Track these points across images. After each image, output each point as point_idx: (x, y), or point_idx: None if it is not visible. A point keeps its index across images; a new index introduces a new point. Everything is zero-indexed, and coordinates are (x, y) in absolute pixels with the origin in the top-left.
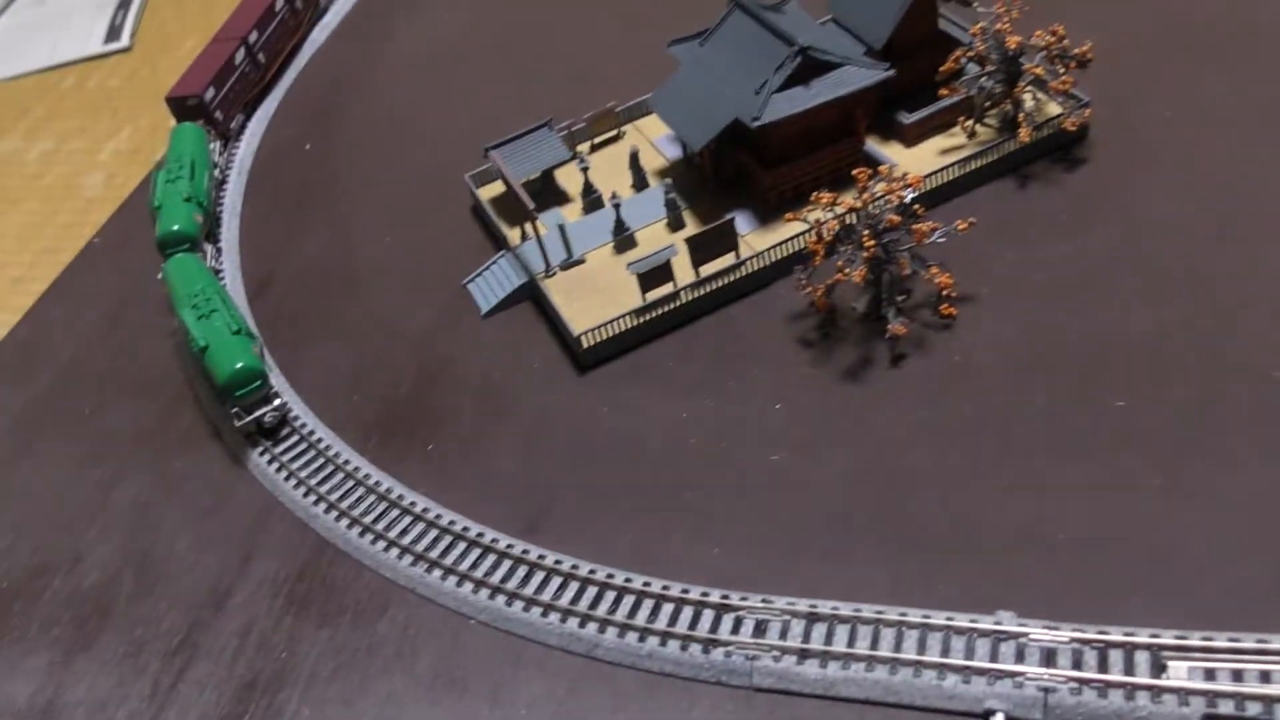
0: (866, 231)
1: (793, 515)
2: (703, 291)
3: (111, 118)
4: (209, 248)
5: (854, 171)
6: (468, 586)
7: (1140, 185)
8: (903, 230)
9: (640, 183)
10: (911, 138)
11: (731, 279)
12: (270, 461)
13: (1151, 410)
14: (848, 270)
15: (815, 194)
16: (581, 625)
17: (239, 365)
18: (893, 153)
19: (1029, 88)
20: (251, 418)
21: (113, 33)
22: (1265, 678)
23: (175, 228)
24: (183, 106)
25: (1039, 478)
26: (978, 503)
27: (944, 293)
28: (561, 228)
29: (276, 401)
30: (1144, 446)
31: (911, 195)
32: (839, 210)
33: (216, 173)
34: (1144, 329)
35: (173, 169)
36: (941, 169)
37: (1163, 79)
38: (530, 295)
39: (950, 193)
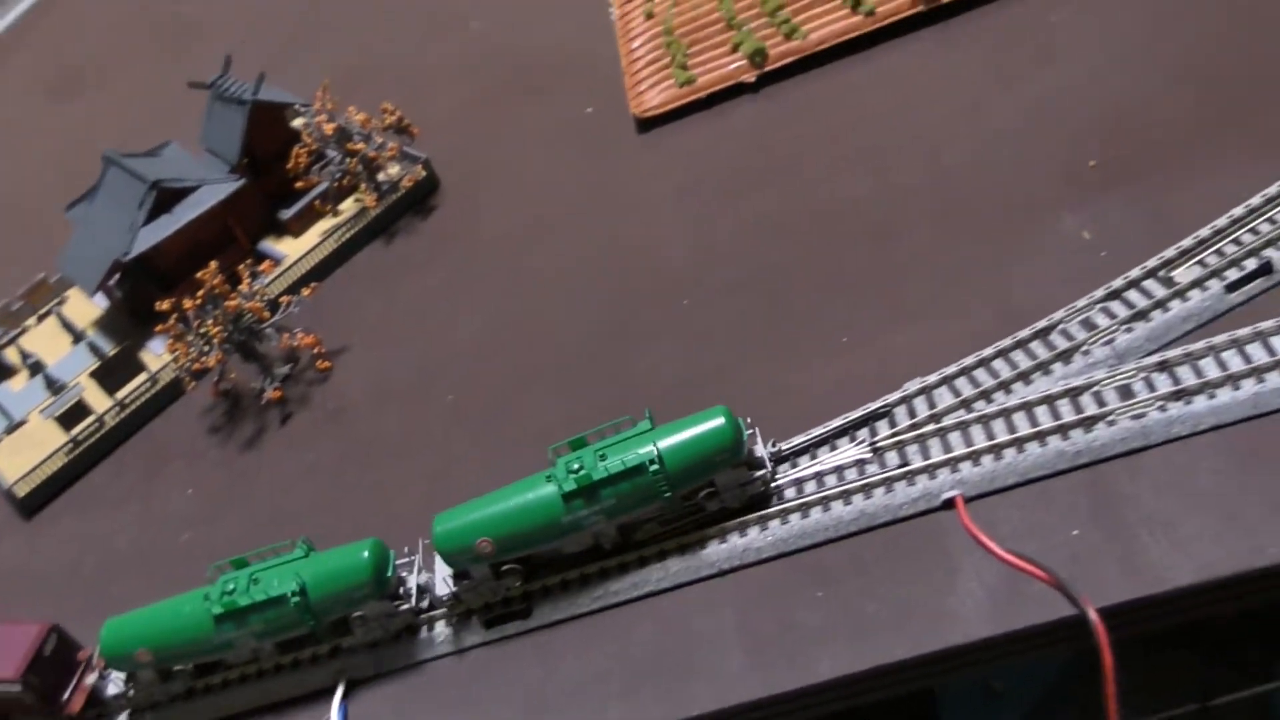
0: (211, 320)
1: (195, 583)
2: (125, 414)
3: None
4: None
5: (198, 274)
6: None
7: (479, 213)
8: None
9: (79, 337)
10: (297, 229)
11: (147, 395)
12: None
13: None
14: (202, 359)
15: (156, 302)
16: None
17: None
18: (286, 245)
19: (362, 163)
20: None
21: None
22: None
23: None
24: None
25: (383, 489)
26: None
27: (315, 351)
28: None
29: None
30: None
31: (264, 280)
32: (184, 307)
33: None
34: (474, 339)
35: None
36: (309, 252)
37: (491, 120)
38: None
39: (332, 265)
